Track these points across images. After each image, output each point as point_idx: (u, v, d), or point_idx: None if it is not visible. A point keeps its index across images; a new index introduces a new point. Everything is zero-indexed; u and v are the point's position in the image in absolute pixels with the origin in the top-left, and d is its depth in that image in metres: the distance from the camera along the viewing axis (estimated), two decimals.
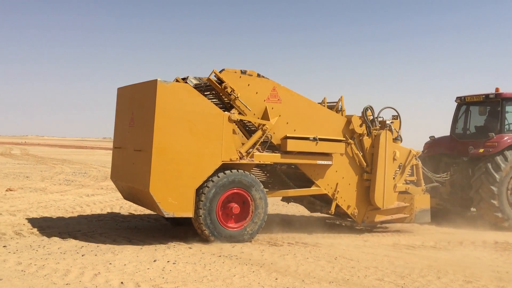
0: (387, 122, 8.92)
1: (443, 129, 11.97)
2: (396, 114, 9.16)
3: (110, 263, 5.57)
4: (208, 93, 7.63)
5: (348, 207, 8.47)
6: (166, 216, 6.66)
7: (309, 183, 8.21)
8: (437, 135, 11.75)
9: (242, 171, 7.20)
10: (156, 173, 6.49)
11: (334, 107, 8.64)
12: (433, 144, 11.44)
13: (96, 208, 10.10)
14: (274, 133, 7.60)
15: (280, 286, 5.09)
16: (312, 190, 8.24)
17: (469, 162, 10.42)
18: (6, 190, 12.19)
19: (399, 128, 9.12)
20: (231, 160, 7.07)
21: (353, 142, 8.38)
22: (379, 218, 8.80)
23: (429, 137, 11.67)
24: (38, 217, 8.69)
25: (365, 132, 8.53)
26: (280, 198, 9.49)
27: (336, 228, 9.11)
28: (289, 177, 8.55)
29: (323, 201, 8.64)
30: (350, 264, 6.21)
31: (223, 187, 6.98)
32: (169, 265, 5.67)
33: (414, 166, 9.30)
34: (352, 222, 9.40)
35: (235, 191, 7.13)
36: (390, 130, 8.81)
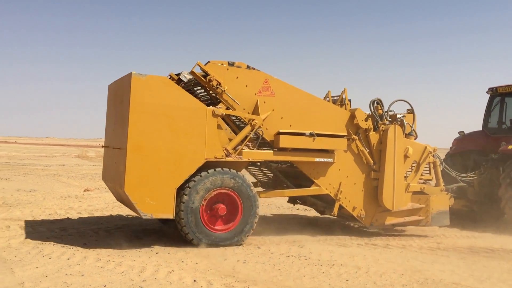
0: (398, 116, 8.28)
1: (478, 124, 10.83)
2: (410, 107, 8.53)
3: (182, 261, 5.73)
4: (199, 87, 7.25)
5: (354, 208, 7.79)
6: (143, 217, 6.24)
7: (312, 182, 7.62)
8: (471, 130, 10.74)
9: (232, 170, 6.71)
10: (132, 172, 6.11)
11: (337, 101, 8.17)
12: (462, 140, 10.48)
13: None
14: (267, 128, 7.06)
15: None
16: (312, 190, 7.63)
17: (500, 160, 9.38)
18: (84, 191, 12.90)
19: (413, 123, 8.43)
20: (216, 157, 6.57)
21: (357, 138, 7.70)
22: (390, 220, 8.07)
23: (458, 132, 10.66)
24: (114, 215, 9.11)
25: (371, 126, 7.83)
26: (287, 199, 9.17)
27: (408, 230, 8.82)
28: (291, 176, 8.06)
29: (327, 202, 8.02)
30: (423, 266, 6.00)
31: (208, 187, 6.50)
32: (239, 264, 5.74)
33: (431, 164, 8.54)
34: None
35: (221, 191, 6.62)
36: (402, 124, 8.15)
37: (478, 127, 10.64)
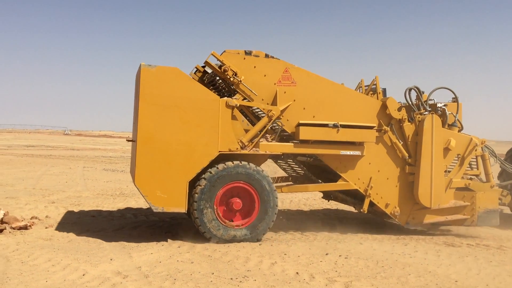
0: (439, 105, 7.48)
1: None
2: (454, 96, 7.73)
3: (285, 254, 5.84)
4: (218, 78, 6.92)
5: (387, 205, 7.21)
6: (154, 210, 6.09)
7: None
8: None
9: (247, 163, 6.39)
10: (142, 165, 6.03)
11: (368, 90, 7.60)
12: None
13: None
14: (287, 120, 6.70)
15: None
16: (339, 185, 7.13)
17: None
18: None
19: (457, 113, 7.61)
20: (230, 150, 6.31)
21: (389, 129, 7.13)
22: (429, 219, 7.38)
23: None
24: None
25: (405, 117, 7.19)
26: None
27: None
28: (323, 170, 7.57)
29: (358, 197, 7.48)
30: None
31: (221, 180, 6.26)
32: (341, 259, 5.72)
33: (479, 158, 7.68)
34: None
35: (237, 185, 6.35)
36: (444, 114, 7.40)
37: None
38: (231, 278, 4.78)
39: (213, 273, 4.92)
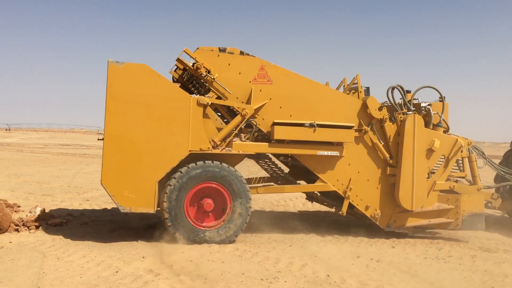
0: (423, 104, 7.20)
1: None
2: (440, 96, 7.40)
3: (315, 256, 5.80)
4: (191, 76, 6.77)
5: (367, 207, 6.97)
6: (122, 211, 5.94)
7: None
8: None
9: (219, 162, 6.20)
10: (109, 163, 5.89)
11: (346, 89, 7.36)
12: None
13: (298, 203, 10.61)
14: (263, 119, 6.52)
15: None
16: (317, 186, 6.92)
17: None
18: None
19: (442, 112, 7.30)
20: (201, 149, 6.14)
21: (369, 129, 6.89)
22: (411, 222, 7.11)
23: None
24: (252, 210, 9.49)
25: (387, 117, 6.93)
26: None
27: None
28: (306, 171, 7.22)
29: (337, 199, 7.25)
30: None
31: (192, 180, 6.08)
32: (373, 262, 5.65)
33: (466, 159, 7.38)
34: None
35: (208, 185, 6.17)
36: (428, 114, 7.13)
37: None
38: (262, 279, 4.78)
39: (243, 274, 4.93)
